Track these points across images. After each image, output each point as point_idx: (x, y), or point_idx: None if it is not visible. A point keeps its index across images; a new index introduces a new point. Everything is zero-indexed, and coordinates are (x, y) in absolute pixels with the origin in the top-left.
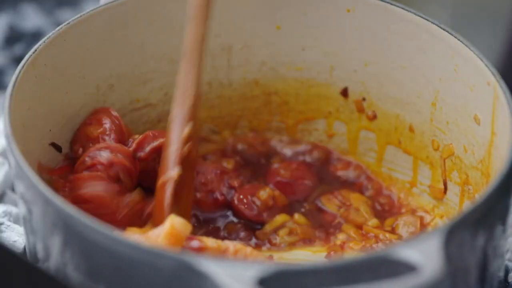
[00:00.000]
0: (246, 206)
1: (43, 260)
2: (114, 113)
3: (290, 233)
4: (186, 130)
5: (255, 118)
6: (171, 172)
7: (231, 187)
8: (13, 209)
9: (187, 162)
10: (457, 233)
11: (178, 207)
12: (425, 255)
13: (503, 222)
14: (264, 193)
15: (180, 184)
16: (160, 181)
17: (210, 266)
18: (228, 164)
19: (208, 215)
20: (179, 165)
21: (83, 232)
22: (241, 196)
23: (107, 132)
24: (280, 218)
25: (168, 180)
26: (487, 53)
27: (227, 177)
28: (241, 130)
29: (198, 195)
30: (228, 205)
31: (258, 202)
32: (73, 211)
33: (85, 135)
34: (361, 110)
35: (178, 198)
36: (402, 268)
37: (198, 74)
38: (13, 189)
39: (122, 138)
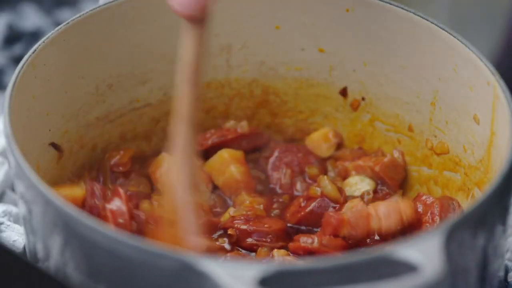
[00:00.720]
0: None
1: (43, 260)
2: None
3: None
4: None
5: (254, 118)
6: (195, 241)
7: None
8: (13, 209)
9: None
10: (457, 233)
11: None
12: (426, 255)
13: (503, 222)
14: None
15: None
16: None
17: (210, 266)
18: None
19: None
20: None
21: (83, 232)
22: None
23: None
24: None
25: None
26: (487, 53)
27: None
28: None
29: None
30: None
31: None
32: (73, 211)
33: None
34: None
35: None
36: (402, 268)
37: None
38: (13, 189)
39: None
